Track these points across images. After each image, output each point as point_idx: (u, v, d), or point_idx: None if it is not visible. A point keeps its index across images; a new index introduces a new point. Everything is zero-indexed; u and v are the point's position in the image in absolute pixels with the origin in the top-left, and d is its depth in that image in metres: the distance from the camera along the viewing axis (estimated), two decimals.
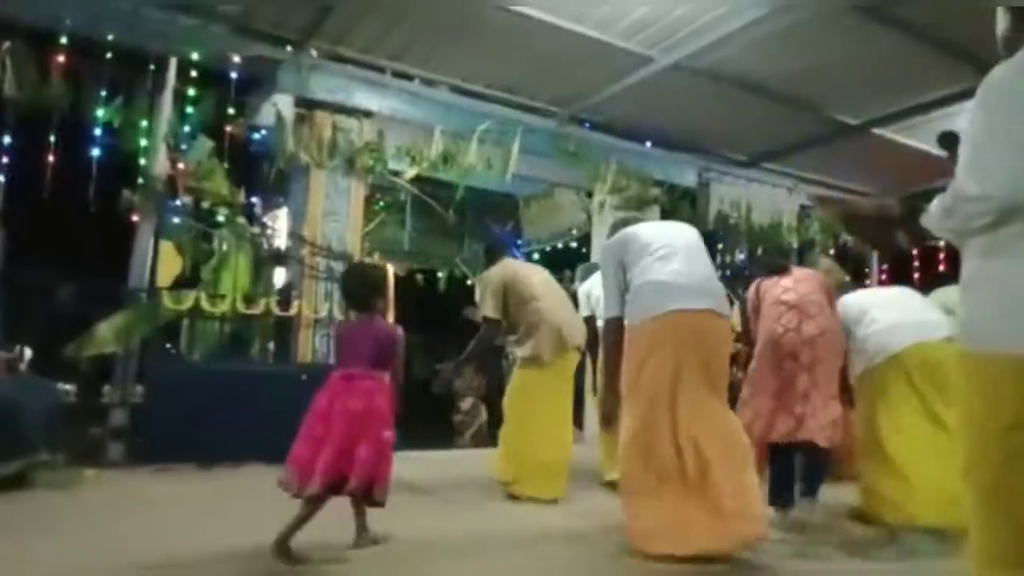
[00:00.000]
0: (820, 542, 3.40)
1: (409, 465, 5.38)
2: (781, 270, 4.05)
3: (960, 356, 1.69)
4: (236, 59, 5.70)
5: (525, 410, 4.28)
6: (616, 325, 3.27)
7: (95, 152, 5.21)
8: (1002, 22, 1.84)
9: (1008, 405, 1.54)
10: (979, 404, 1.62)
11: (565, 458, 4.26)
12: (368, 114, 6.20)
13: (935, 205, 1.73)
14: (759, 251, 4.19)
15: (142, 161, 5.40)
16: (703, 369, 3.04)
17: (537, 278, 4.49)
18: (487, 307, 4.34)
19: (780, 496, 3.66)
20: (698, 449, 2.93)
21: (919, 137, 7.06)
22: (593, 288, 4.87)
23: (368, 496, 2.89)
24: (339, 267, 5.77)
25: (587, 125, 7.33)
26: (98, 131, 5.20)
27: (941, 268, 8.32)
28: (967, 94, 6.21)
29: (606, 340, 3.34)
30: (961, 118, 6.41)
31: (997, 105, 1.61)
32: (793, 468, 3.74)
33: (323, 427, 2.86)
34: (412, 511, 3.42)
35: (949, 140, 2.91)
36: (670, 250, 3.23)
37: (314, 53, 5.98)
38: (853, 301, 4.10)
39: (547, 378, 4.28)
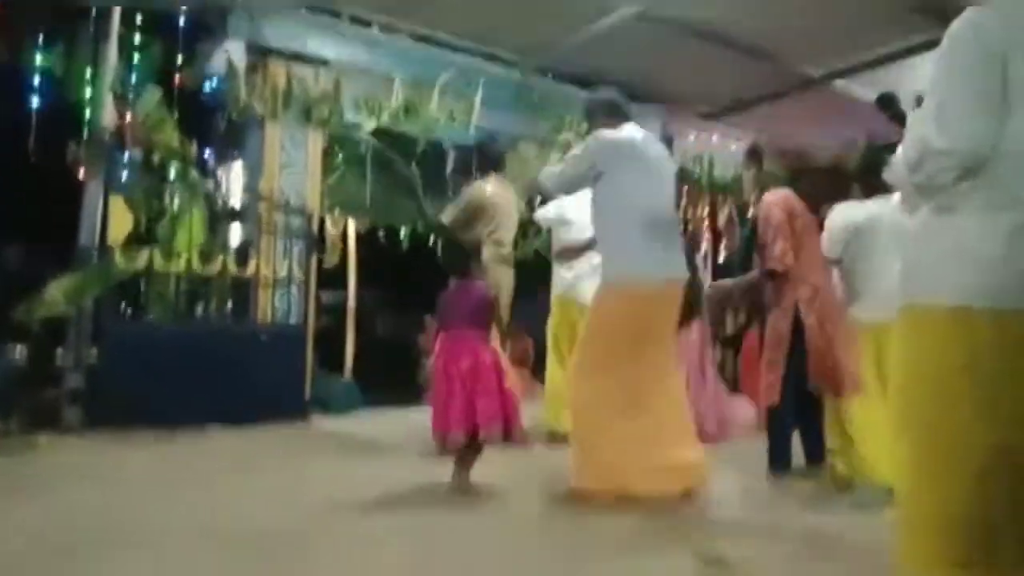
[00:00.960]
0: (773, 496, 3.52)
1: (373, 423, 5.42)
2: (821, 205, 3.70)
3: (911, 307, 1.72)
4: (184, 5, 5.43)
5: None
6: (546, 194, 3.79)
7: (35, 103, 4.96)
8: None
9: (960, 348, 1.59)
10: (931, 349, 1.65)
11: None
12: (324, 62, 5.98)
13: (899, 159, 1.73)
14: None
15: (87, 112, 5.16)
16: (672, 333, 3.40)
17: (506, 231, 4.56)
18: (449, 213, 4.53)
19: (786, 459, 3.70)
20: (668, 403, 3.25)
21: (879, 90, 7.08)
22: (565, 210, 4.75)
23: (508, 438, 3.31)
24: (298, 223, 5.65)
25: (550, 76, 7.20)
26: (37, 80, 4.94)
27: None
28: (927, 46, 6.24)
29: (532, 186, 3.84)
30: (920, 70, 6.45)
31: (959, 60, 1.62)
32: None
33: (448, 386, 3.26)
34: (372, 467, 3.43)
35: (887, 101, 2.92)
36: (664, 199, 3.29)
37: None
38: (888, 220, 3.37)
39: None
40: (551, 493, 3.35)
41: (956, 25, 1.65)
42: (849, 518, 3.21)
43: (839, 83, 7.22)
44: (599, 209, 3.35)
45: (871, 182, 3.37)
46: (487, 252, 4.37)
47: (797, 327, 3.54)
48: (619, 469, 3.12)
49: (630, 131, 3.36)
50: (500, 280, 4.50)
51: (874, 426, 3.57)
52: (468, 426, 3.19)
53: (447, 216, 4.69)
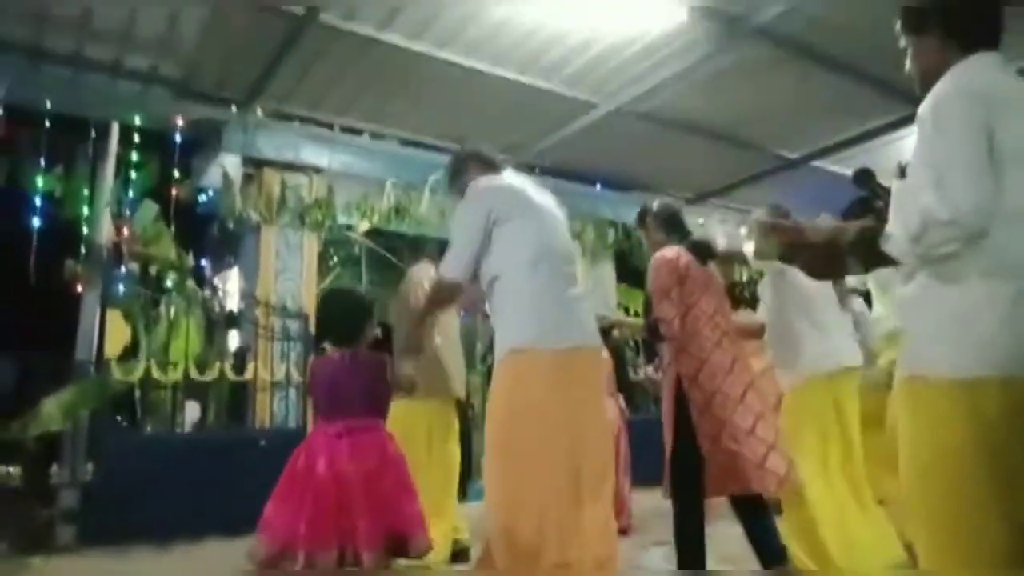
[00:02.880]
0: None
1: None
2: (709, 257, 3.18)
3: (911, 380, 1.66)
4: (180, 122, 5.64)
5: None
6: (454, 289, 2.60)
7: (35, 223, 5.06)
8: (916, 60, 1.83)
9: (967, 422, 1.52)
10: (936, 424, 1.59)
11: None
12: (317, 170, 6.18)
13: (897, 229, 1.68)
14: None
15: (85, 229, 5.26)
16: (596, 406, 2.54)
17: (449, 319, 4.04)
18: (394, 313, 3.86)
19: (699, 563, 2.89)
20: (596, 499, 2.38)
21: (855, 166, 7.30)
22: None
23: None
24: (295, 326, 5.67)
25: (536, 171, 7.41)
26: (38, 201, 5.06)
27: None
28: (896, 125, 6.50)
29: (434, 297, 2.69)
30: (893, 147, 6.69)
31: (951, 126, 1.59)
32: None
33: (334, 495, 2.39)
34: None
35: (863, 177, 2.97)
36: (561, 251, 2.61)
37: (259, 112, 5.95)
38: (801, 281, 3.16)
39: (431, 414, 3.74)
40: None
41: (941, 89, 1.64)
42: None
43: (817, 163, 7.46)
44: (487, 270, 2.57)
45: (868, 254, 3.34)
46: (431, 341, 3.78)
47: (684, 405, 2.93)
48: None
49: (511, 177, 2.76)
50: (438, 370, 3.89)
51: (830, 504, 3.22)
52: (389, 540, 2.42)
53: (394, 317, 4.20)
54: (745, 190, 8.20)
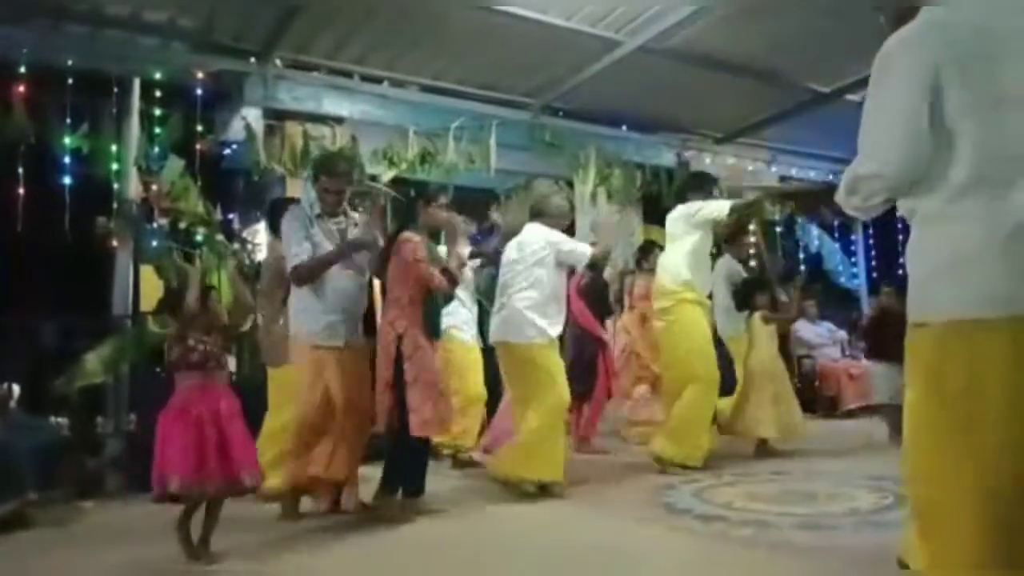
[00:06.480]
0: None
1: None
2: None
3: (912, 326, 1.61)
4: (200, 75, 5.62)
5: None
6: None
7: (67, 181, 5.12)
8: None
9: (965, 366, 1.47)
10: (933, 370, 1.54)
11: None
12: (339, 120, 6.15)
13: (841, 183, 1.69)
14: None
15: (115, 186, 5.32)
16: None
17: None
18: None
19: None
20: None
21: None
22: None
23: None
24: None
25: (561, 114, 7.30)
26: (67, 159, 5.12)
27: None
28: None
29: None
30: None
31: (882, 81, 1.57)
32: None
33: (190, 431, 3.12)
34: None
35: None
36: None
37: (279, 63, 5.91)
38: None
39: None
40: None
41: (886, 44, 1.59)
42: None
43: (851, 96, 7.20)
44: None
45: (834, 205, 3.43)
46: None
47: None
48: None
49: None
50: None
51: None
52: (225, 474, 3.07)
53: None
54: (776, 128, 7.99)
